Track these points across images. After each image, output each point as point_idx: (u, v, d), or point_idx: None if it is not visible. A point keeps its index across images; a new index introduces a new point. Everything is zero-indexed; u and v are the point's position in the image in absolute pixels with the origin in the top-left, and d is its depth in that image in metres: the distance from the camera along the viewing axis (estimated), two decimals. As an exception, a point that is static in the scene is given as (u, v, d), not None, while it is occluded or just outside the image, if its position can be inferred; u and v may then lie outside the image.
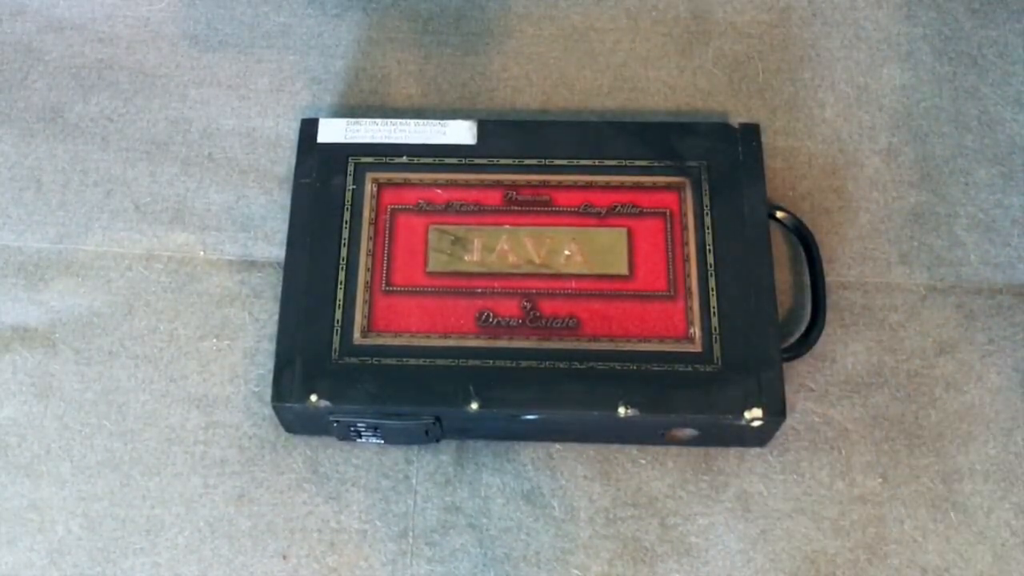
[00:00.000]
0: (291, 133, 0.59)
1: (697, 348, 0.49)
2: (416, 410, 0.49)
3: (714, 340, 0.49)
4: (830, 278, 0.55)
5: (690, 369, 0.49)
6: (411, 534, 0.51)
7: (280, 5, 0.64)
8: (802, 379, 0.53)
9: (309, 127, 0.55)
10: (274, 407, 0.50)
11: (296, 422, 0.51)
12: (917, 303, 0.55)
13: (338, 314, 0.51)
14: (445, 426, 0.50)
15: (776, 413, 0.48)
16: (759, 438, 0.51)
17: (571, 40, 0.63)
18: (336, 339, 0.50)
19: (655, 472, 0.52)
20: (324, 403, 0.49)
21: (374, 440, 0.51)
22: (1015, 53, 0.62)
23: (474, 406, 0.48)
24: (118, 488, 0.52)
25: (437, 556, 0.50)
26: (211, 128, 0.60)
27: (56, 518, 0.51)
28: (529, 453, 0.52)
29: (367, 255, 0.52)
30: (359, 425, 0.50)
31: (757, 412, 0.48)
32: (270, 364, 0.51)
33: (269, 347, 0.54)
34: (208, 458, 0.52)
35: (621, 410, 0.48)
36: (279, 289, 0.52)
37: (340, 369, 0.49)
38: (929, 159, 0.59)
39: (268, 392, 0.53)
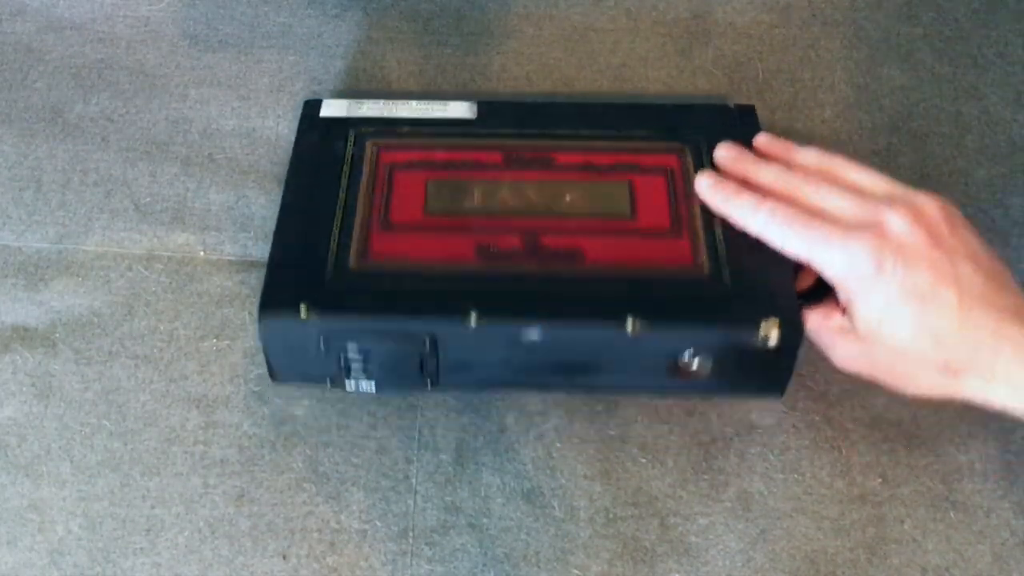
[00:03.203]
0: (291, 133, 0.59)
1: (705, 273, 0.48)
2: (411, 325, 0.47)
3: (723, 266, 0.48)
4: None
5: (701, 290, 0.48)
6: (411, 534, 0.51)
7: (280, 5, 0.64)
8: (802, 379, 0.53)
9: (312, 107, 0.56)
10: (260, 327, 0.47)
11: (281, 354, 0.49)
12: (917, 303, 0.55)
13: (333, 245, 0.50)
14: (441, 361, 0.48)
15: (793, 326, 0.46)
16: (776, 377, 0.48)
17: (571, 40, 0.63)
18: (330, 263, 0.49)
19: (655, 472, 0.52)
20: (314, 317, 0.46)
21: (365, 386, 0.49)
22: (1015, 53, 0.62)
23: (472, 320, 0.46)
24: (118, 488, 0.52)
25: (437, 556, 0.50)
26: (211, 128, 0.61)
27: (56, 518, 0.51)
28: (529, 453, 0.52)
29: (365, 200, 0.52)
30: (349, 351, 0.47)
31: (773, 323, 0.46)
32: (270, 364, 0.51)
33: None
34: (208, 458, 0.52)
35: (629, 324, 0.46)
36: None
37: (333, 288, 0.48)
38: (929, 159, 0.59)
39: (268, 392, 0.53)
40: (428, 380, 0.49)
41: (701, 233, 0.50)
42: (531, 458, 0.52)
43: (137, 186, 0.59)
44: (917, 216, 0.44)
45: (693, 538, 0.50)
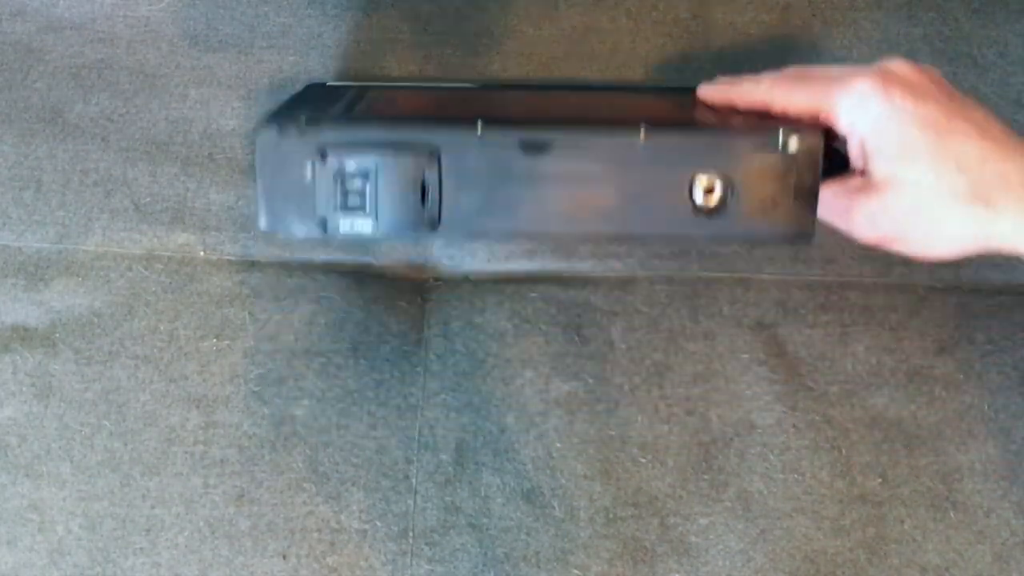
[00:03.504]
0: (291, 133, 0.59)
1: (717, 121, 0.48)
2: (414, 135, 0.45)
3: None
4: (830, 278, 0.55)
5: (714, 121, 0.47)
6: (411, 534, 0.51)
7: (280, 5, 0.64)
8: (802, 379, 0.53)
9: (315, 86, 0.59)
10: (256, 143, 0.45)
11: (274, 184, 0.46)
12: (917, 303, 0.55)
13: (336, 110, 0.50)
14: (444, 187, 0.45)
15: (811, 135, 0.44)
16: (802, 207, 0.45)
17: (571, 41, 0.63)
18: (334, 111, 0.49)
19: (655, 471, 0.52)
20: (312, 128, 0.45)
21: (360, 224, 0.46)
22: (1015, 53, 0.62)
23: (479, 128, 0.44)
24: (118, 488, 0.52)
25: (437, 556, 0.50)
26: (211, 128, 0.61)
27: (56, 518, 0.51)
28: (529, 452, 0.52)
29: (367, 103, 0.52)
30: (347, 168, 0.45)
31: (791, 130, 0.44)
32: (270, 364, 0.51)
33: (269, 347, 0.54)
34: (208, 458, 0.52)
35: (642, 132, 0.44)
36: (279, 289, 0.52)
37: (336, 115, 0.48)
38: (929, 159, 0.59)
39: (268, 392, 0.53)
40: (428, 219, 0.46)
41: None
42: (531, 458, 0.52)
43: (137, 186, 0.59)
44: (917, 66, 0.44)
45: (693, 538, 0.50)
